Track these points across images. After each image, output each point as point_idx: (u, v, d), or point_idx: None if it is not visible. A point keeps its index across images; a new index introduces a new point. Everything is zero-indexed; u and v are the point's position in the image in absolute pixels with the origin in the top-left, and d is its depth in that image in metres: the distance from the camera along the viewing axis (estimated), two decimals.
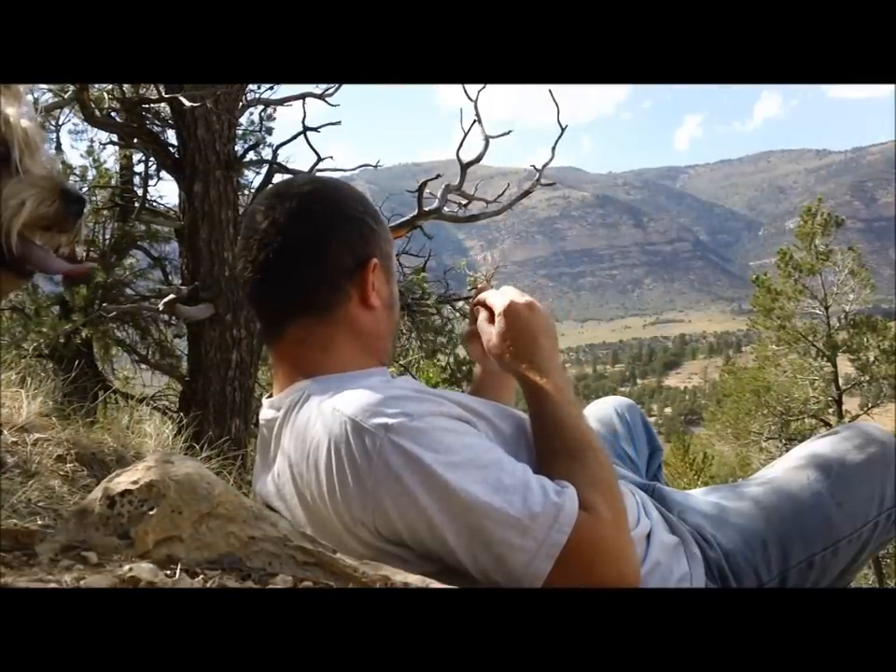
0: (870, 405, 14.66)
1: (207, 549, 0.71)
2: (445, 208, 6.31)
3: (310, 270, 1.07)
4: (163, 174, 6.67)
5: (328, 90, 6.55)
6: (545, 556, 0.90)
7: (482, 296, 1.20)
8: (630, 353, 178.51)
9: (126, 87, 6.08)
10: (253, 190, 6.69)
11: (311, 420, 0.99)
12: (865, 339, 13.66)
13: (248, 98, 6.86)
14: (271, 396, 1.13)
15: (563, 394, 1.07)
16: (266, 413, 1.11)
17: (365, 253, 1.09)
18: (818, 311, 14.15)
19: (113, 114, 6.22)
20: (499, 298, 1.15)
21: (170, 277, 7.50)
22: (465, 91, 5.89)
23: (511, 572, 0.90)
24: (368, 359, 1.10)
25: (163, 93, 5.27)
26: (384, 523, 0.93)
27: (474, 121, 6.05)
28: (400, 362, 5.82)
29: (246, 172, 6.91)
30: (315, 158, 6.32)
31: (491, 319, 1.15)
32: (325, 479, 0.95)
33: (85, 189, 6.84)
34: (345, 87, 6.96)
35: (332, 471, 0.94)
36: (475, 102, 5.96)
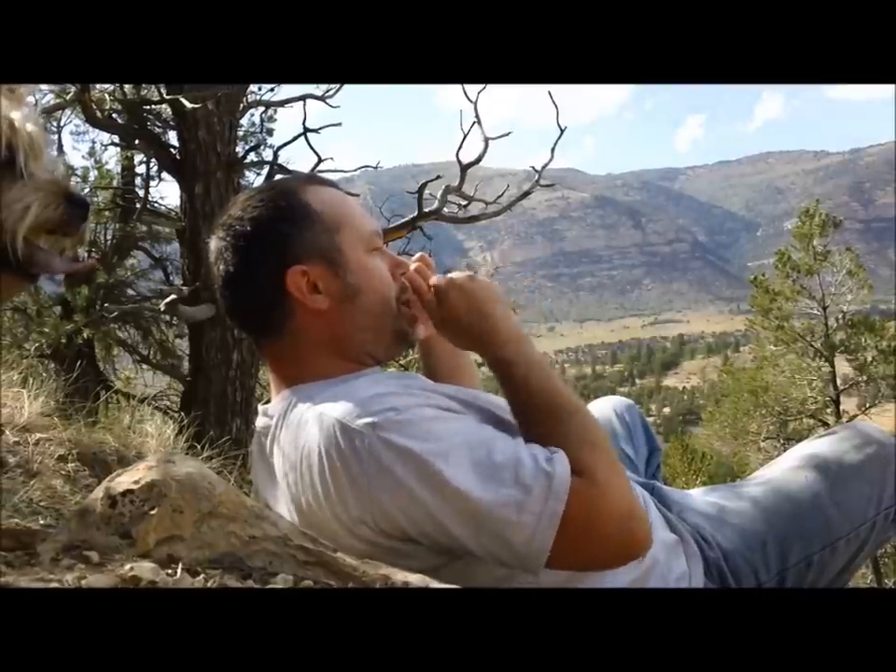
0: (868, 405, 14.63)
1: (208, 548, 0.71)
2: (445, 209, 6.32)
3: (245, 300, 1.09)
4: (165, 175, 6.68)
5: (328, 91, 6.56)
6: (546, 528, 0.89)
7: (414, 280, 1.12)
8: (629, 353, 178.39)
9: (127, 88, 6.08)
10: None
11: (300, 427, 0.99)
12: (863, 339, 13.64)
13: (249, 100, 6.87)
14: (268, 402, 1.14)
15: (527, 359, 1.04)
16: (260, 420, 1.12)
17: (283, 265, 1.05)
18: (816, 311, 14.13)
19: (114, 115, 6.22)
20: (438, 278, 1.11)
21: (171, 278, 7.52)
22: (464, 93, 5.89)
23: (515, 550, 0.90)
24: (345, 363, 1.08)
25: (164, 95, 5.27)
26: (385, 519, 0.93)
27: (474, 122, 6.05)
28: (400, 362, 5.81)
29: (247, 173, 6.92)
30: (315, 159, 6.32)
31: (435, 301, 1.09)
32: (319, 483, 0.96)
33: (87, 191, 6.84)
34: (346, 88, 6.97)
35: (326, 475, 0.94)
36: (475, 103, 5.96)
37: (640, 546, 0.95)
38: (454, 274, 1.10)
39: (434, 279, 1.12)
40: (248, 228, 1.07)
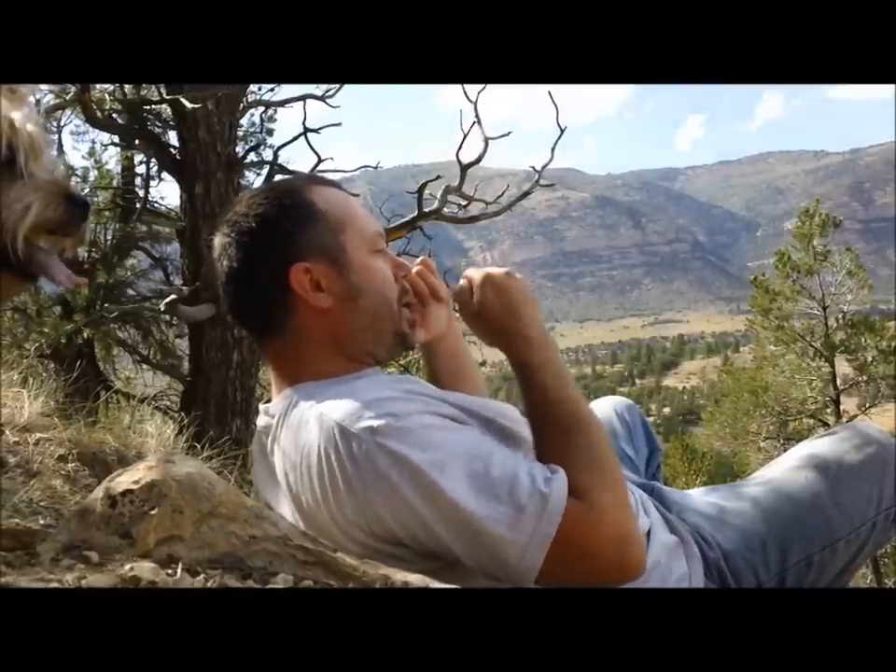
0: (868, 405, 14.63)
1: (208, 548, 0.71)
2: (445, 209, 6.33)
3: (247, 296, 1.09)
4: (165, 175, 6.68)
5: (328, 91, 6.57)
6: (536, 548, 0.89)
7: (416, 283, 1.16)
8: (629, 353, 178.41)
9: (127, 88, 6.09)
10: None
11: (301, 426, 0.99)
12: (863, 339, 13.65)
13: (249, 100, 6.87)
14: (268, 401, 1.14)
15: (551, 366, 1.04)
16: (262, 419, 1.12)
17: (287, 262, 1.05)
18: (816, 311, 14.13)
19: (114, 115, 6.23)
20: (476, 271, 1.12)
21: (171, 278, 7.52)
22: (465, 93, 5.89)
23: (506, 565, 0.90)
24: (346, 362, 1.08)
25: (164, 95, 5.28)
26: (378, 524, 0.93)
27: (474, 122, 6.06)
28: (401, 362, 5.81)
29: (247, 173, 6.93)
30: (315, 159, 6.33)
31: (470, 293, 1.11)
32: (317, 484, 0.96)
33: (87, 191, 6.85)
34: (346, 88, 6.98)
35: (324, 477, 0.95)
36: (475, 103, 5.97)
37: (634, 571, 0.95)
38: (491, 270, 1.10)
39: (469, 271, 1.12)
40: (253, 224, 1.07)
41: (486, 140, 6.27)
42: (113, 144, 7.37)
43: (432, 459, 0.91)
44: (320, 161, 6.37)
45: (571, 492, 0.92)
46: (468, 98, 5.90)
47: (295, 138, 6.42)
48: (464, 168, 6.24)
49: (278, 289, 1.06)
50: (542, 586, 0.91)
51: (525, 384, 1.04)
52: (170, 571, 0.66)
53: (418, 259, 1.21)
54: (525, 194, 7.02)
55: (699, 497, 1.35)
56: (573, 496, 0.92)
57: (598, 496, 0.93)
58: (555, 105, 6.11)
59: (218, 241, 1.10)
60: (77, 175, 7.15)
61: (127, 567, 0.64)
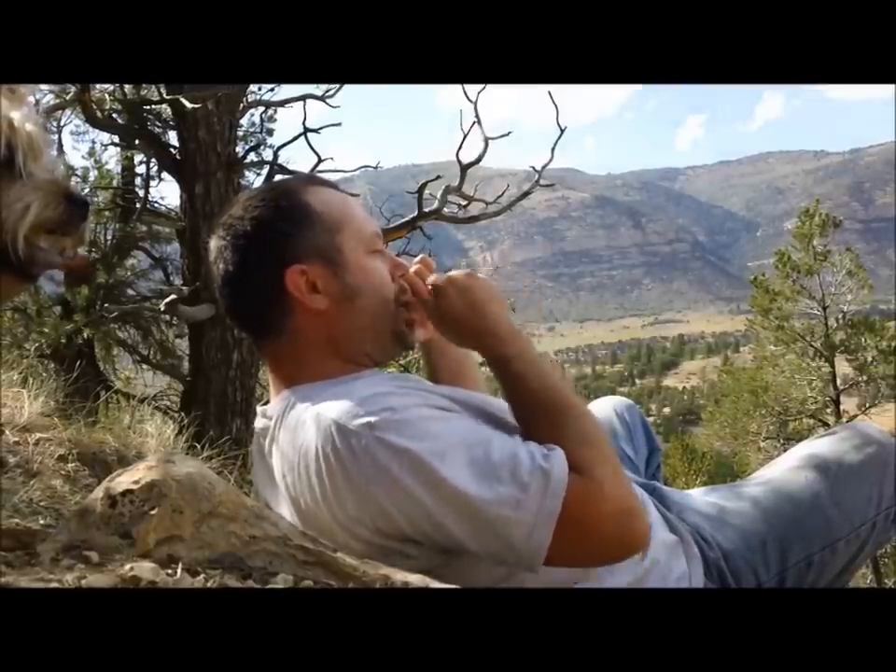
0: (868, 405, 14.63)
1: (208, 548, 0.71)
2: (445, 209, 6.33)
3: (244, 299, 1.10)
4: (165, 175, 6.69)
5: (328, 91, 6.58)
6: (543, 525, 0.90)
7: (414, 283, 1.11)
8: (629, 353, 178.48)
9: (127, 88, 6.09)
10: None
11: (298, 427, 1.00)
12: (863, 339, 13.65)
13: (249, 100, 6.88)
14: (267, 402, 1.14)
15: (526, 357, 1.04)
16: (259, 421, 1.12)
17: (282, 264, 1.05)
18: (815, 311, 14.13)
19: (114, 115, 6.23)
20: (439, 277, 1.11)
21: (171, 278, 7.53)
22: (465, 93, 5.90)
23: (513, 547, 0.91)
24: (343, 363, 1.08)
25: (164, 95, 5.28)
26: (382, 519, 0.93)
27: (474, 122, 6.06)
28: (400, 362, 5.82)
29: (247, 173, 6.94)
30: (315, 159, 6.34)
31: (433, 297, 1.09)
32: (317, 484, 0.96)
33: (87, 191, 6.85)
34: (346, 88, 6.99)
35: (323, 476, 0.95)
36: (475, 103, 5.97)
37: (639, 543, 0.96)
38: (452, 273, 1.10)
39: (432, 277, 1.12)
40: (248, 227, 1.07)
41: (486, 140, 6.28)
42: (113, 144, 7.39)
43: (432, 448, 0.91)
44: (320, 160, 6.39)
45: (571, 468, 0.93)
46: (468, 98, 5.91)
47: (295, 138, 6.44)
48: (464, 168, 6.24)
49: (274, 292, 1.06)
50: (551, 566, 0.92)
51: (505, 379, 1.05)
52: (170, 571, 0.66)
53: (417, 258, 1.21)
54: (525, 194, 7.03)
55: (699, 497, 1.35)
56: (573, 471, 0.92)
57: (596, 469, 0.94)
58: (555, 105, 6.12)
59: (214, 244, 1.10)
60: (77, 174, 7.16)
61: (127, 566, 0.64)
